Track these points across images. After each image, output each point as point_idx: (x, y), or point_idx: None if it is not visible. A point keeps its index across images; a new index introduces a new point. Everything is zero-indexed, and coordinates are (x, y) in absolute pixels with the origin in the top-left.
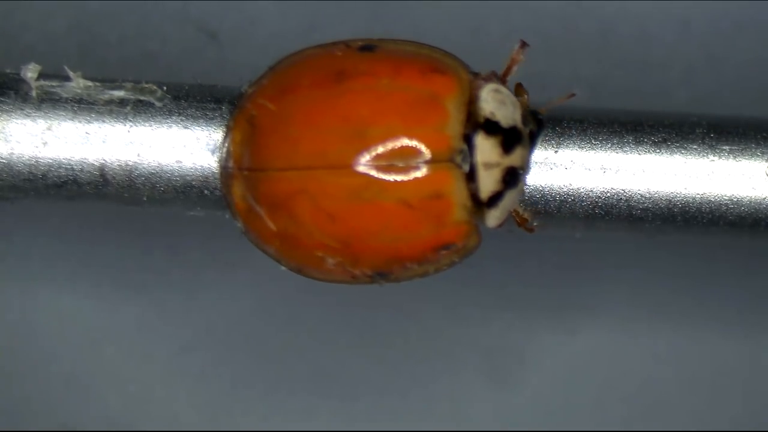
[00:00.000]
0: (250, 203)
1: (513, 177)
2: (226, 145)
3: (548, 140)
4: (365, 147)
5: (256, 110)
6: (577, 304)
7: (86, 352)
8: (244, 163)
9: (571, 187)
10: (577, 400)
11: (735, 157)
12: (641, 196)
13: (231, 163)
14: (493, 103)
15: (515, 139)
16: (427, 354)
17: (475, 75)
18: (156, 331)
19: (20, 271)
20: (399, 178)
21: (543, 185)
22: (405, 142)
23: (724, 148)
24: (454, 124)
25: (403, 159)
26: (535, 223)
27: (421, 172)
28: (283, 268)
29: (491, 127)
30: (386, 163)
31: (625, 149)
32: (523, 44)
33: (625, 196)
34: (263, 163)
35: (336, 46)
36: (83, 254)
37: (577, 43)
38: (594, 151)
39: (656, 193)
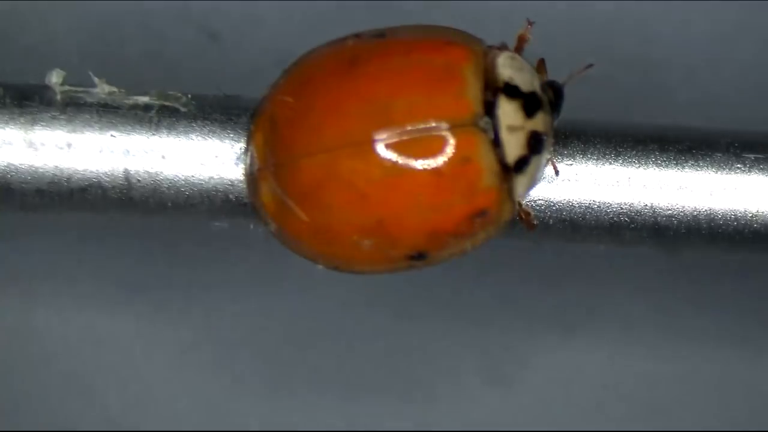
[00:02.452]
0: (279, 199)
1: (537, 142)
2: (250, 152)
3: (571, 152)
4: (388, 121)
5: (275, 107)
6: (577, 304)
7: (86, 352)
8: (269, 160)
9: (593, 200)
10: (577, 400)
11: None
12: (665, 208)
13: (256, 166)
14: (511, 69)
15: (536, 105)
16: (427, 354)
17: (489, 47)
18: (156, 332)
19: (20, 271)
20: (425, 147)
21: (565, 198)
22: (426, 111)
23: (749, 156)
24: (472, 89)
25: (426, 128)
26: (536, 221)
27: (447, 139)
28: (320, 266)
29: (511, 91)
30: (410, 134)
31: (650, 161)
32: (530, 23)
33: (650, 209)
34: (289, 154)
35: (347, 38)
36: (83, 254)
37: (577, 43)
38: (618, 163)
39: (681, 207)
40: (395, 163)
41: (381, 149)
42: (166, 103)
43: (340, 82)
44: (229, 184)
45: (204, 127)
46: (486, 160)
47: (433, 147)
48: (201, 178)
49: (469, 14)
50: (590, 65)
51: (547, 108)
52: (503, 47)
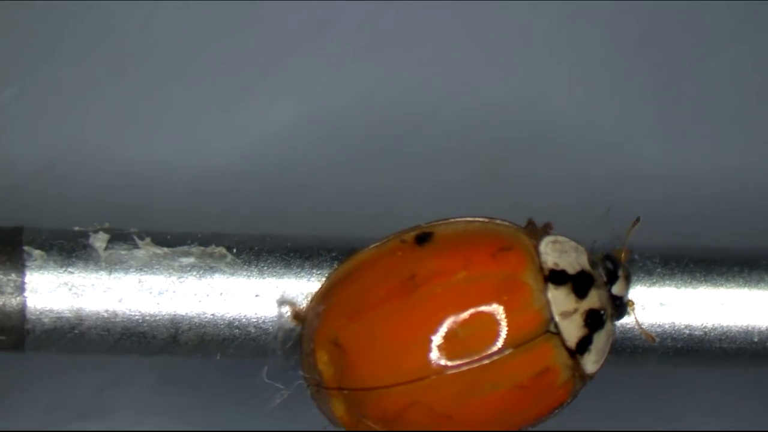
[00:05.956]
0: (356, 417)
1: (596, 318)
2: (313, 364)
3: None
4: (464, 349)
5: (338, 331)
6: None
7: None
8: (342, 383)
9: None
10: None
11: None
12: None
13: (324, 384)
14: (554, 253)
15: (587, 283)
16: None
17: (533, 234)
18: None
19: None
20: (506, 366)
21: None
22: (501, 332)
23: None
24: (537, 295)
25: (503, 347)
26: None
27: (525, 355)
28: None
29: (558, 277)
30: (489, 358)
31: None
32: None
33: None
34: (367, 383)
35: (391, 243)
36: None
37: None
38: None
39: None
40: (478, 386)
41: (461, 376)
42: (212, 264)
43: (406, 308)
44: (273, 337)
45: (248, 279)
46: (560, 359)
47: (513, 366)
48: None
49: (468, 13)
50: (638, 219)
51: (600, 282)
52: (547, 227)
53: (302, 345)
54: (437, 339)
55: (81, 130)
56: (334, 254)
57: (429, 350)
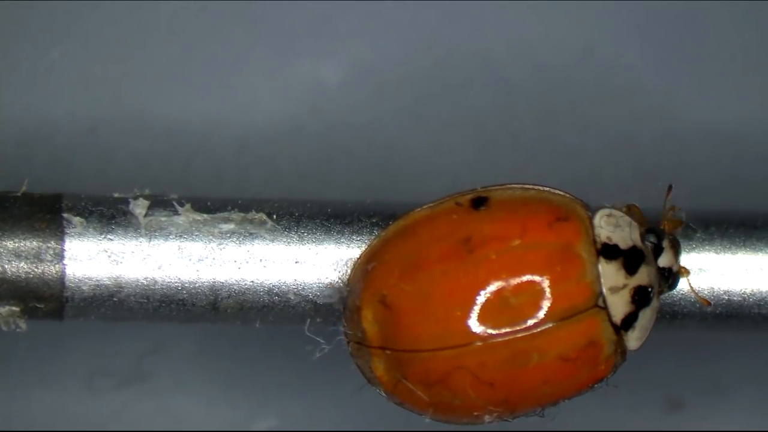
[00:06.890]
0: (396, 378)
1: (643, 296)
2: (357, 321)
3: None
4: (515, 316)
5: (387, 290)
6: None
7: None
8: (385, 342)
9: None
10: (577, 399)
11: None
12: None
13: (366, 342)
14: (608, 227)
15: (638, 259)
16: None
17: (589, 207)
18: None
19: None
20: (553, 337)
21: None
22: (551, 302)
23: None
24: (590, 268)
25: (552, 318)
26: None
27: (573, 326)
28: (429, 420)
29: (610, 252)
30: (537, 325)
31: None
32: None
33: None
34: (411, 345)
35: (446, 205)
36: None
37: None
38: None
39: None
40: (523, 355)
41: (507, 345)
42: (252, 231)
43: (458, 272)
44: (313, 309)
45: (288, 245)
46: (606, 333)
47: (559, 337)
48: (285, 292)
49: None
50: (671, 187)
51: (650, 259)
52: (601, 205)
53: (347, 301)
54: (487, 305)
55: (123, 93)
56: (374, 220)
57: (478, 316)
